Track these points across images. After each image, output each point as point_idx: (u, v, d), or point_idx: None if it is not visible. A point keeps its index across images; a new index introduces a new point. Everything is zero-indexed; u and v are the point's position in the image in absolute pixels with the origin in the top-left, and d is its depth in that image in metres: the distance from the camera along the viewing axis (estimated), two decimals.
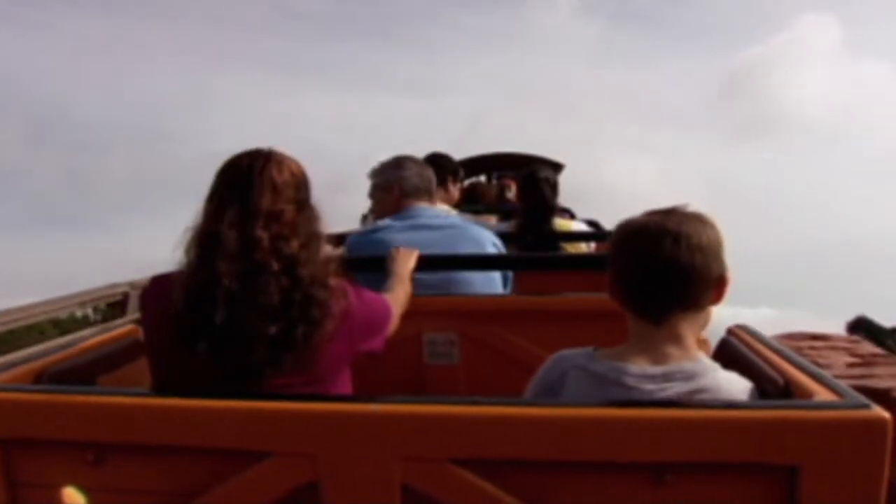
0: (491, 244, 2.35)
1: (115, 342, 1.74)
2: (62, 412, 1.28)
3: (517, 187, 3.55)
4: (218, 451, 1.22)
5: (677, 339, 1.32)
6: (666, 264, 1.30)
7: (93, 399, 1.30)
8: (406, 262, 1.94)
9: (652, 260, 1.31)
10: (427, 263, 2.03)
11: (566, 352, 1.39)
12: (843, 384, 1.20)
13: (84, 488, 1.27)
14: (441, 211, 2.43)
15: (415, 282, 1.95)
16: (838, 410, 1.11)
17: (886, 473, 1.06)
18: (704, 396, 1.26)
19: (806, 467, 1.08)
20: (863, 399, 1.12)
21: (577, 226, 3.33)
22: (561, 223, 3.26)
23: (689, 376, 1.28)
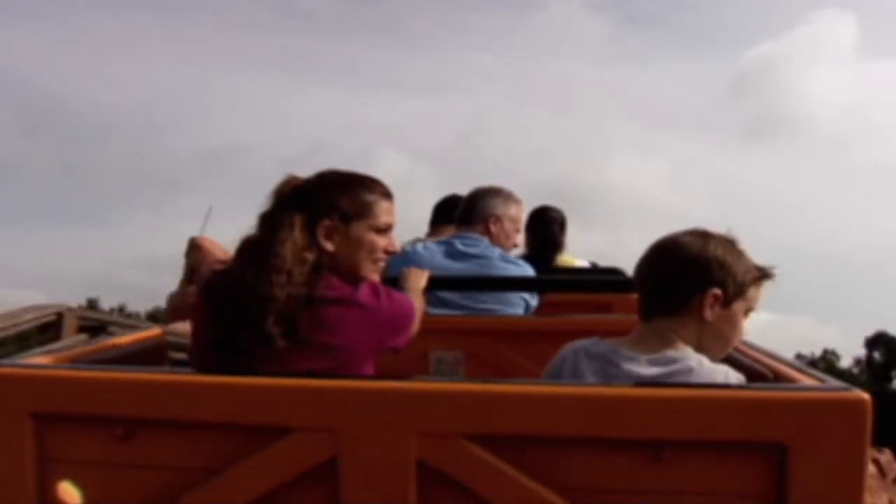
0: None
1: (141, 342, 1.83)
2: (93, 388, 1.35)
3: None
4: (243, 427, 1.29)
5: (662, 337, 1.50)
6: (647, 275, 1.55)
7: (123, 376, 1.38)
8: (418, 281, 2.04)
9: (642, 270, 1.57)
10: (437, 283, 2.13)
11: (576, 341, 1.57)
12: (823, 374, 1.30)
13: (113, 463, 1.34)
14: (483, 242, 2.51)
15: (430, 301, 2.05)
16: (822, 392, 1.20)
17: (868, 450, 1.14)
18: (681, 378, 1.41)
19: (794, 445, 1.16)
20: (844, 383, 1.21)
21: (580, 263, 3.41)
22: (563, 259, 3.34)
23: (670, 361, 1.45)
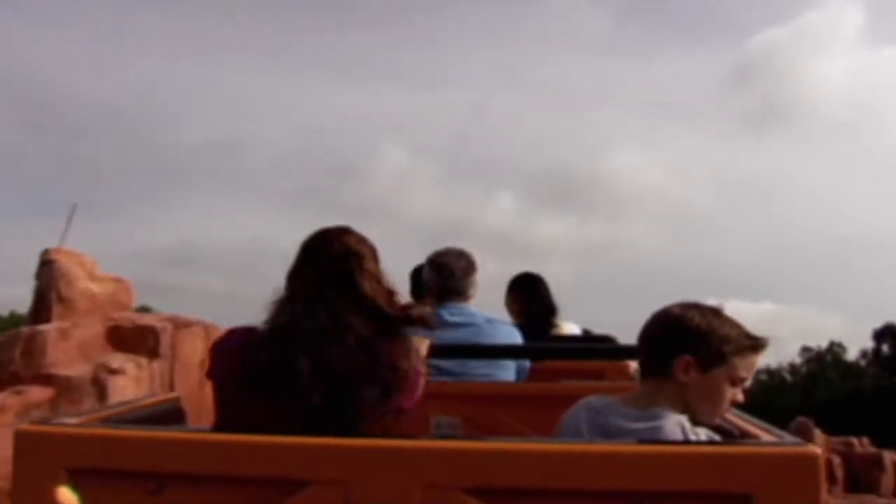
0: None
1: (161, 404, 1.97)
2: (126, 445, 1.48)
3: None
4: (265, 481, 1.42)
5: (650, 397, 1.67)
6: (639, 341, 1.73)
7: (153, 434, 1.52)
8: (420, 346, 2.19)
9: (638, 338, 1.74)
10: (438, 352, 2.28)
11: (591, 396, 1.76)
12: (780, 430, 1.47)
13: None
14: (466, 309, 2.68)
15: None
16: (781, 447, 1.36)
17: (823, 498, 1.28)
18: (658, 434, 1.57)
19: (757, 494, 1.30)
20: (799, 439, 1.37)
21: (572, 330, 3.52)
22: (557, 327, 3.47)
23: (652, 418, 1.62)
